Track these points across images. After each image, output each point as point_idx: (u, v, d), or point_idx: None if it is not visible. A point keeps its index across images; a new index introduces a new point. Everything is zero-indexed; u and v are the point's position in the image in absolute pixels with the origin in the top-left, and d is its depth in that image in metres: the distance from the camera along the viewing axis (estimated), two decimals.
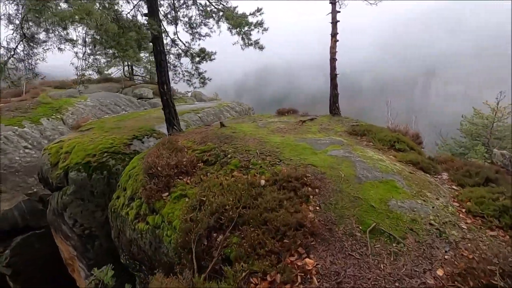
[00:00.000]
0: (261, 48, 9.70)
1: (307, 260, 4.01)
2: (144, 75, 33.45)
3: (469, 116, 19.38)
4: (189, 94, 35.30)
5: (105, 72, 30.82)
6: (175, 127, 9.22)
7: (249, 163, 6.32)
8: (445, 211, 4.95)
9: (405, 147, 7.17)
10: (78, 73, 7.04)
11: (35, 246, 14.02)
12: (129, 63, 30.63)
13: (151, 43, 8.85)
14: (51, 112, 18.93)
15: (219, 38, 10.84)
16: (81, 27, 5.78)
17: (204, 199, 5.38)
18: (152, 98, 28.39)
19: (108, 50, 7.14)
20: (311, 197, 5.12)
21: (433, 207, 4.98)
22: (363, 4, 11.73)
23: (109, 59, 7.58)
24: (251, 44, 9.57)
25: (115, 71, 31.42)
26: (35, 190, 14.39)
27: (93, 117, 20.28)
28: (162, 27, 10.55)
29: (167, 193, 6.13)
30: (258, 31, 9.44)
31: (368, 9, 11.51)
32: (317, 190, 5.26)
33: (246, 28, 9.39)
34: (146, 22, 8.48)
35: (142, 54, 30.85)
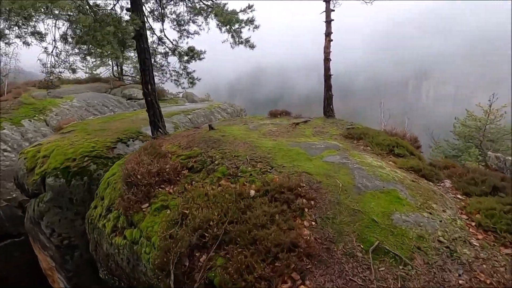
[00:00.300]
0: (252, 46, 9.12)
1: None
2: (134, 75, 32.55)
3: (462, 118, 19.14)
4: (181, 95, 34.58)
5: (94, 72, 29.95)
6: (160, 130, 8.57)
7: (238, 170, 5.74)
8: (453, 226, 4.44)
9: (405, 152, 6.67)
10: (46, 71, 6.34)
11: (14, 255, 13.21)
12: (118, 62, 29.75)
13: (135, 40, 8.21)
14: (34, 113, 18.04)
15: (210, 37, 10.25)
16: (51, 19, 5.13)
17: (187, 212, 4.77)
18: (142, 98, 27.43)
19: (82, 45, 6.46)
20: (306, 210, 4.56)
21: (440, 221, 4.46)
22: (358, 4, 11.26)
23: (83, 56, 6.92)
24: (241, 42, 8.98)
25: (104, 71, 30.42)
26: (14, 195, 13.54)
27: (78, 118, 19.44)
28: (148, 24, 9.90)
29: (147, 204, 5.51)
30: (249, 29, 8.86)
31: (362, 9, 11.08)
32: (312, 202, 4.70)
33: (236, 26, 8.79)
34: (129, 18, 7.84)
35: (131, 54, 30.06)
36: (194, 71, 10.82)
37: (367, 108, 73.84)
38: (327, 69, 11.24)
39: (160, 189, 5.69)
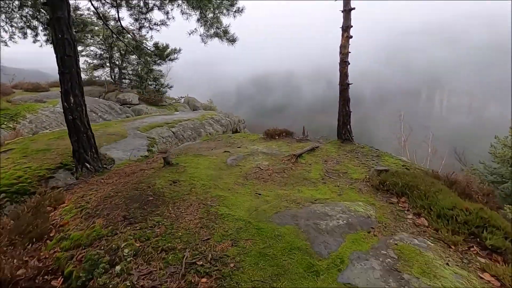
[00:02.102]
0: (232, 40, 5.89)
1: None
2: (133, 79, 29.71)
3: (502, 138, 15.39)
4: (182, 100, 31.55)
5: (90, 74, 27.16)
6: (88, 165, 5.38)
7: None
8: None
9: (503, 243, 3.27)
10: None
11: None
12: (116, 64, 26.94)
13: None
14: (3, 120, 15.15)
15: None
16: None
17: None
18: (137, 104, 24.60)
19: None
20: None
21: None
22: (366, 6, 7.98)
23: None
24: (217, 34, 5.75)
25: (101, 74, 27.54)
26: None
27: (56, 127, 16.57)
28: (93, 8, 6.79)
29: None
30: (229, 14, 5.62)
31: (372, 14, 7.77)
32: None
33: (210, 10, 5.54)
34: None
35: (133, 56, 27.24)
36: (162, 75, 7.64)
37: (375, 118, 69.79)
38: (343, 75, 7.88)
39: None
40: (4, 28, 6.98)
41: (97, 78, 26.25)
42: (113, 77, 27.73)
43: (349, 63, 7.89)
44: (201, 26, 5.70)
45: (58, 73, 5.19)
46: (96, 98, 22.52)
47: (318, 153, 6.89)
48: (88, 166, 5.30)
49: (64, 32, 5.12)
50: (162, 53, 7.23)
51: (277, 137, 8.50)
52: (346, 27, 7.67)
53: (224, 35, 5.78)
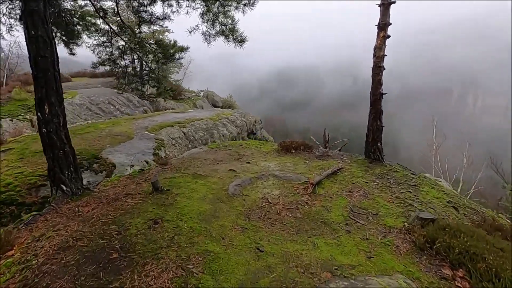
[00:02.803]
0: (241, 41, 4.69)
1: None
2: (157, 71, 29.01)
3: None
4: (201, 93, 30.73)
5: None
6: (64, 187, 4.45)
7: None
8: None
9: None
10: None
11: None
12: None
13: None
14: (21, 111, 14.93)
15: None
16: None
17: None
18: (156, 96, 24.11)
19: None
20: None
21: None
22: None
23: None
24: (222, 32, 4.58)
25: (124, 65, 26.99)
26: None
27: (72, 119, 16.22)
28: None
29: None
30: (238, 8, 4.43)
31: (397, 7, 6.17)
32: None
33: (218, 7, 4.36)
34: None
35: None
36: (165, 76, 6.66)
37: (403, 119, 66.09)
38: (376, 83, 6.47)
39: None
40: (1, 20, 6.14)
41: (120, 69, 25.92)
42: (134, 68, 27.29)
43: (384, 69, 6.47)
44: (204, 22, 4.56)
45: (32, 76, 4.26)
46: (115, 90, 22.15)
47: (341, 177, 5.63)
48: (64, 188, 4.38)
49: (38, 28, 4.16)
50: (166, 52, 6.16)
51: (293, 151, 7.29)
52: (383, 25, 6.22)
53: (231, 34, 4.60)
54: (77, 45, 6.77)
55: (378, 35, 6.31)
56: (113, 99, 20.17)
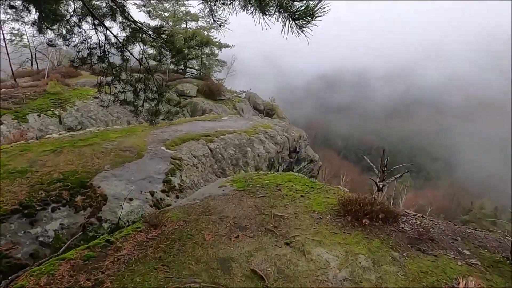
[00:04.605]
0: (308, 15, 1.74)
1: None
2: (198, 69, 27.27)
3: None
4: (243, 94, 28.20)
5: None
6: None
7: None
8: None
9: None
10: None
11: None
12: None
13: None
14: (51, 105, 13.59)
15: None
16: None
17: None
18: (194, 96, 22.09)
19: None
20: None
21: None
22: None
23: None
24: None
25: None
26: None
27: (103, 117, 14.68)
28: None
29: None
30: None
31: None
32: None
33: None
34: None
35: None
36: (168, 87, 3.95)
37: (468, 132, 57.09)
38: None
39: None
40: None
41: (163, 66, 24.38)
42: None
43: None
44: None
45: None
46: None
47: None
48: None
49: None
50: (173, 45, 3.46)
51: (366, 222, 4.13)
52: None
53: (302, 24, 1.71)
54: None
55: None
56: None
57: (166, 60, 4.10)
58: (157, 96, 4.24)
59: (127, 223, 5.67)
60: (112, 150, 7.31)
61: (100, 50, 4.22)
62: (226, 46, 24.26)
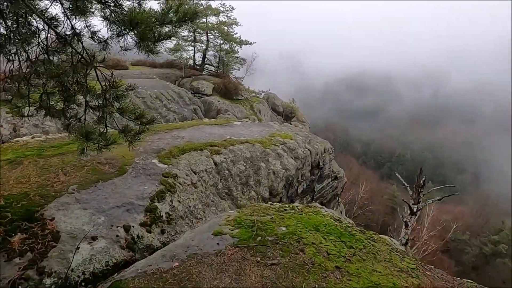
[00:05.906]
0: None
1: None
2: (216, 65, 25.38)
3: None
4: (262, 95, 26.16)
5: (173, 56, 23.80)
6: None
7: None
8: None
9: None
10: None
11: None
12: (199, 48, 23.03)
13: None
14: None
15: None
16: None
17: None
18: (210, 94, 20.30)
19: None
20: None
21: None
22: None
23: None
24: None
25: (186, 57, 23.71)
26: None
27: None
28: None
29: None
30: None
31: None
32: None
33: None
34: None
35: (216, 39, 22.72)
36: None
37: (499, 144, 52.07)
38: None
39: None
40: None
41: (175, 60, 22.68)
42: (194, 61, 23.95)
43: None
44: None
45: None
46: (168, 84, 18.84)
47: None
48: None
49: None
50: (143, 30, 1.57)
51: None
52: None
53: None
54: None
55: None
56: (162, 93, 16.64)
57: (119, 41, 2.23)
58: (103, 102, 2.37)
59: (81, 277, 3.90)
60: (87, 163, 5.57)
61: None
62: (246, 43, 22.26)
